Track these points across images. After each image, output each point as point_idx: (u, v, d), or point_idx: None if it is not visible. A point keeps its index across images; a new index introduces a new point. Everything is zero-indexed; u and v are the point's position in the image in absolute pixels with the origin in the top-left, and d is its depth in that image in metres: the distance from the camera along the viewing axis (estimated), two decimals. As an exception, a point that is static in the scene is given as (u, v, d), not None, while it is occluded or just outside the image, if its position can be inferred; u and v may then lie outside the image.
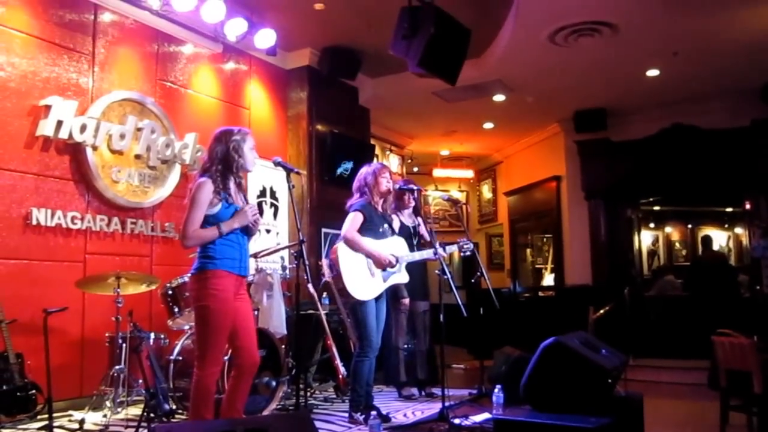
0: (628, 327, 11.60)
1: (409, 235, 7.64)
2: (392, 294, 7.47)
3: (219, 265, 4.77)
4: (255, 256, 7.39)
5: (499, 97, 12.66)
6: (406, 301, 7.91)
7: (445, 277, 6.48)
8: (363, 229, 6.58)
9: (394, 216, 7.54)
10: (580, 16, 9.22)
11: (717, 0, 8.76)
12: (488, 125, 14.94)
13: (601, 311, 10.14)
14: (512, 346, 8.24)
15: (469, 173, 18.74)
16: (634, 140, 13.11)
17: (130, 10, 8.55)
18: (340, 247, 6.48)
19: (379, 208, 6.79)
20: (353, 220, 6.56)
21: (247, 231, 5.04)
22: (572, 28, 9.46)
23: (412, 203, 7.96)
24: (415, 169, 17.52)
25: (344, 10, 9.62)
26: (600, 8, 9.03)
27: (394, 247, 6.77)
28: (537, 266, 16.03)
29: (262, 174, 10.22)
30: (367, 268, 6.49)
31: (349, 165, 11.17)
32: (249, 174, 8.81)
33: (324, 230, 10.73)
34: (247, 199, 5.16)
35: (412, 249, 7.20)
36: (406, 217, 7.90)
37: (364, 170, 6.87)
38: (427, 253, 6.92)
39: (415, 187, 7.63)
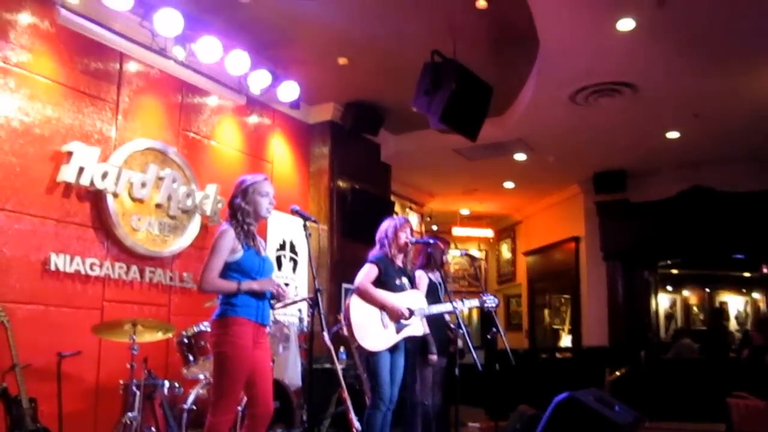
0: (644, 389, 11.39)
1: (436, 291, 7.60)
2: (420, 348, 7.39)
3: (240, 313, 4.80)
4: (272, 307, 7.28)
5: (520, 156, 12.65)
6: (434, 357, 7.64)
7: (461, 331, 6.48)
8: (379, 282, 6.52)
9: (422, 272, 7.58)
10: (601, 76, 9.25)
11: (738, 62, 8.75)
12: (508, 184, 14.98)
13: (618, 373, 10.00)
14: (528, 406, 8.10)
15: (488, 232, 18.66)
16: (653, 201, 13.11)
17: (156, 60, 8.56)
18: (353, 299, 6.45)
19: (398, 262, 6.73)
20: (368, 272, 6.52)
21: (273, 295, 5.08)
22: (593, 88, 9.50)
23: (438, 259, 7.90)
24: (434, 228, 17.31)
25: (368, 65, 9.64)
26: (621, 69, 9.05)
27: (410, 300, 6.68)
28: (554, 327, 15.96)
29: (282, 227, 10.19)
30: (380, 320, 6.41)
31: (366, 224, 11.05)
32: (269, 227, 9.47)
33: (344, 285, 10.63)
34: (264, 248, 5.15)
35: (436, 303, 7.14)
36: (436, 275, 7.83)
37: (387, 223, 6.85)
38: (444, 307, 6.85)
39: (431, 240, 7.59)
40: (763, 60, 8.75)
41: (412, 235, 6.85)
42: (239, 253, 4.86)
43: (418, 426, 7.88)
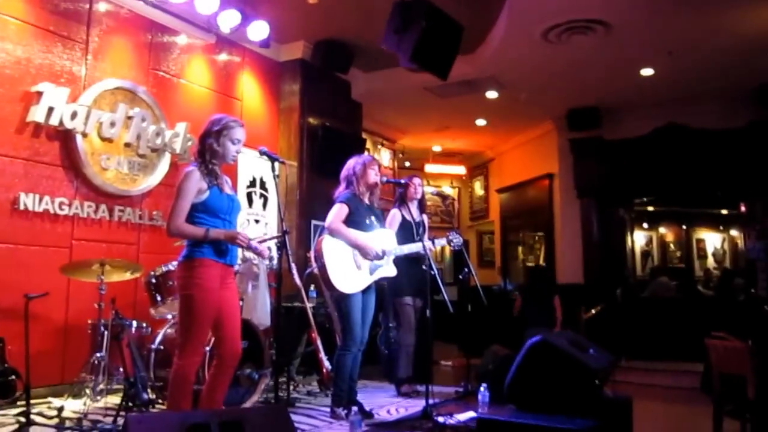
0: (620, 328, 11.47)
1: (410, 229, 7.60)
2: (394, 289, 7.65)
3: (207, 254, 4.72)
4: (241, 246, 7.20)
5: (491, 94, 12.55)
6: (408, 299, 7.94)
7: (432, 272, 6.42)
8: (349, 221, 6.47)
9: (397, 210, 7.69)
10: (573, 13, 9.15)
11: (711, -1, 8.59)
12: (481, 122, 14.83)
13: (593, 311, 10.03)
14: (502, 345, 8.14)
15: (461, 169, 18.47)
16: (627, 139, 12.97)
17: (125, 0, 8.50)
18: (325, 239, 6.38)
19: (366, 200, 6.67)
20: (338, 212, 6.47)
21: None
22: (566, 25, 9.39)
23: (418, 196, 8.01)
24: (407, 164, 17.26)
25: (338, 3, 9.53)
26: (593, 6, 8.96)
27: (381, 239, 6.65)
28: (528, 264, 15.83)
29: (252, 164, 10.16)
30: (353, 260, 6.37)
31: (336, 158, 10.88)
32: (240, 164, 9.64)
33: (314, 222, 10.62)
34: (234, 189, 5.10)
35: (410, 242, 7.10)
36: (413, 211, 7.86)
37: (353, 161, 6.76)
38: (416, 247, 6.80)
39: (402, 181, 7.68)
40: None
41: (380, 173, 6.79)
42: (205, 194, 4.80)
43: (408, 366, 7.96)
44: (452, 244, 7.15)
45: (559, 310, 9.84)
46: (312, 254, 6.77)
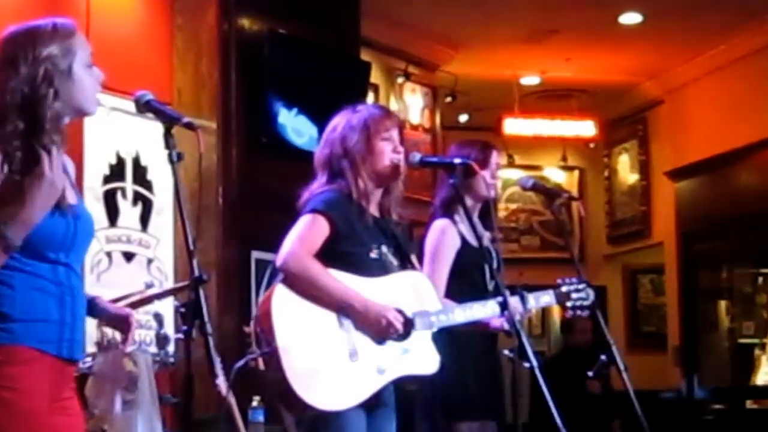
0: None
1: (477, 265, 5.03)
2: (441, 403, 5.09)
3: (20, 337, 3.12)
4: (100, 316, 4.41)
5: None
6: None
7: (527, 366, 4.11)
8: (333, 254, 4.20)
9: (446, 223, 5.18)
10: None
11: None
12: (631, 18, 9.78)
13: None
14: None
15: (586, 127, 12.01)
16: None
17: None
18: (279, 293, 4.16)
19: (372, 206, 4.35)
20: (308, 233, 4.22)
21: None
22: None
23: (492, 191, 5.33)
24: (463, 118, 11.67)
25: None
26: None
27: (402, 292, 4.33)
28: (743, 340, 10.76)
29: (116, 130, 7.05)
30: (342, 340, 4.23)
31: (304, 116, 7.80)
32: (86, 129, 6.87)
33: (257, 255, 7.59)
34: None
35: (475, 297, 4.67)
36: (478, 227, 5.12)
37: (343, 119, 4.37)
38: (484, 310, 4.47)
39: (456, 160, 4.59)
40: None
41: (402, 145, 4.41)
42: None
43: None
44: (572, 301, 4.83)
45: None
46: (253, 327, 4.62)
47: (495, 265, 4.95)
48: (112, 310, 3.41)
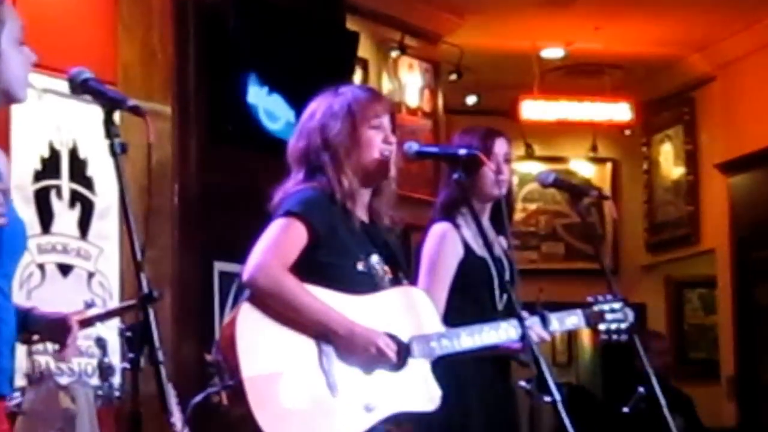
0: None
1: (486, 280, 4.69)
2: None
3: None
4: (28, 340, 3.91)
5: None
6: None
7: (548, 400, 3.74)
8: (312, 267, 3.89)
9: (447, 227, 4.84)
10: None
11: None
12: None
13: None
14: None
15: (620, 111, 10.92)
16: None
17: None
18: (245, 314, 3.88)
19: (358, 209, 4.03)
20: (282, 240, 3.93)
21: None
22: None
23: (503, 188, 4.79)
24: (471, 100, 10.65)
25: None
26: None
27: (394, 313, 4.05)
28: None
29: (49, 117, 6.68)
30: (321, 373, 3.89)
31: (278, 97, 7.26)
32: (13, 116, 6.58)
33: (220, 267, 7.14)
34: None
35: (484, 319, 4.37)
36: (488, 230, 4.73)
37: (324, 102, 4.06)
38: (496, 334, 4.18)
39: (461, 151, 4.30)
40: None
41: (396, 133, 4.13)
42: None
43: None
44: (605, 323, 4.43)
45: None
46: (215, 355, 4.18)
47: (508, 278, 4.56)
48: (51, 316, 3.22)
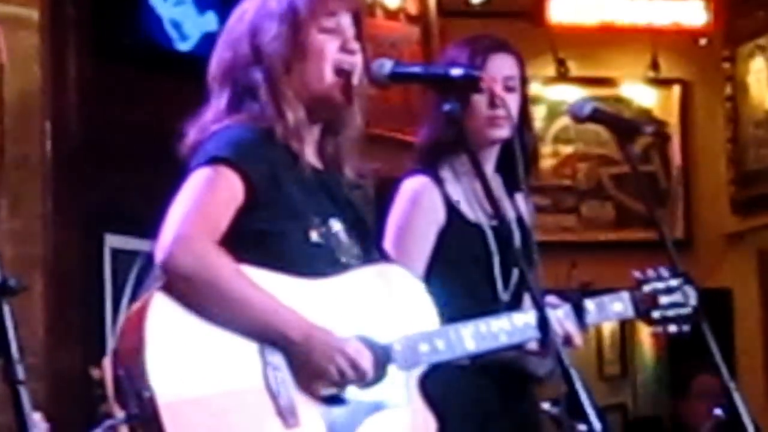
0: None
1: (485, 257, 3.88)
2: None
3: None
4: None
5: None
6: None
7: (583, 430, 2.76)
8: (248, 236, 3.04)
9: (425, 182, 4.02)
10: None
11: None
12: None
13: None
14: None
15: (692, 11, 8.68)
16: None
17: None
18: (156, 310, 2.96)
19: (308, 154, 3.18)
20: (209, 199, 3.07)
21: None
22: None
23: (503, 133, 3.86)
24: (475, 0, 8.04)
25: None
26: None
27: (368, 304, 3.22)
28: None
29: None
30: (265, 392, 3.06)
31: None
32: None
33: (113, 243, 5.95)
34: None
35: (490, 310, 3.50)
36: (496, 185, 3.86)
37: (252, 2, 3.22)
38: (510, 331, 3.38)
39: (456, 71, 3.12)
40: None
41: (363, 42, 3.32)
42: None
43: None
44: (659, 310, 3.53)
45: None
46: (110, 368, 3.18)
47: (521, 253, 3.48)
48: None
